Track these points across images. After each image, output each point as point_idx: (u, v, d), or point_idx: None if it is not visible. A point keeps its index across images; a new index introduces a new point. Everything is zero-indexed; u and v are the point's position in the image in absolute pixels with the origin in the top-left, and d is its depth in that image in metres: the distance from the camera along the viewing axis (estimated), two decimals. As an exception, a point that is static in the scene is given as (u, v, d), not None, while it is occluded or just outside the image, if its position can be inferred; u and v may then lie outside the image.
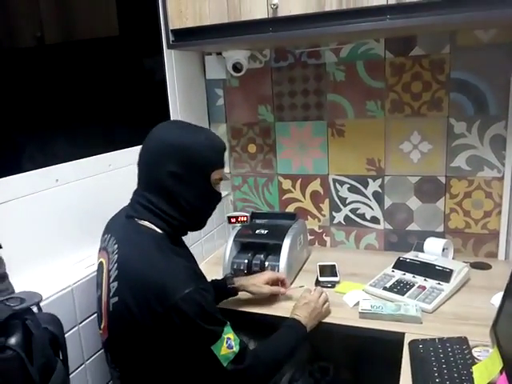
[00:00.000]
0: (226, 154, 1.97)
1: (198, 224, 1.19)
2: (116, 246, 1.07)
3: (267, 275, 1.44)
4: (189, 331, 0.97)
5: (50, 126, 1.26)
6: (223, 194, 1.95)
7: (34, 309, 0.65)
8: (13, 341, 0.54)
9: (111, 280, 1.03)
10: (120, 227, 1.12)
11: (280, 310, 1.40)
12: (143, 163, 1.11)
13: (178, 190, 1.07)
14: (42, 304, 0.70)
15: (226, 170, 2.01)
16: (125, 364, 1.07)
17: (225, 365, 1.00)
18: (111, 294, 1.03)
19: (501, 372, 0.88)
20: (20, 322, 0.57)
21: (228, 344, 1.00)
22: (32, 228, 1.13)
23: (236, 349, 1.01)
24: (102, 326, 1.09)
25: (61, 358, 0.65)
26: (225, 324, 1.02)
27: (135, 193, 1.14)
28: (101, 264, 1.12)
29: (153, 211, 1.08)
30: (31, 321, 0.58)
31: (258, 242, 1.66)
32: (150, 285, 0.96)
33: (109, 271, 1.05)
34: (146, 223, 1.08)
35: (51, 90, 1.26)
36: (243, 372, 1.03)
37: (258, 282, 1.41)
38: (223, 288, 1.41)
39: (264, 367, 1.12)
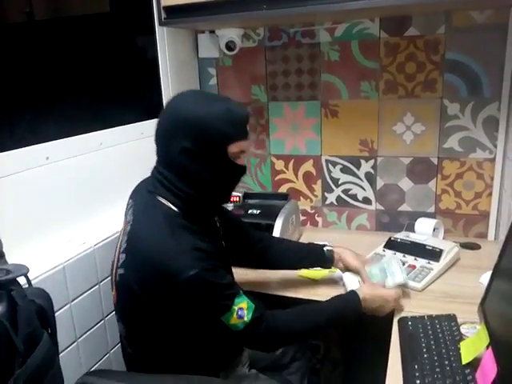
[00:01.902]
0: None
1: (220, 199, 1.16)
2: (132, 217, 1.08)
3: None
4: (195, 307, 0.99)
5: (40, 103, 1.24)
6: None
7: (25, 283, 0.65)
8: None
9: (121, 250, 1.05)
10: (141, 200, 1.11)
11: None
12: (158, 138, 1.08)
13: (193, 167, 1.03)
14: (33, 282, 0.70)
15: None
16: (133, 326, 1.10)
17: (235, 331, 1.02)
18: (119, 265, 1.05)
19: (487, 347, 0.90)
20: (5, 292, 0.57)
21: (238, 314, 1.00)
22: (22, 206, 1.12)
23: (247, 318, 1.01)
24: (112, 291, 1.13)
25: (49, 331, 0.65)
26: (236, 296, 1.02)
27: (154, 167, 1.12)
28: (122, 229, 1.14)
29: (168, 188, 1.06)
30: (17, 292, 0.59)
31: (250, 222, 1.66)
32: (156, 265, 0.96)
33: (121, 241, 1.08)
34: (163, 200, 1.06)
35: (41, 67, 1.24)
36: (256, 338, 1.06)
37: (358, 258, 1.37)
38: (320, 254, 1.38)
39: (283, 336, 1.12)
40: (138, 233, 1.04)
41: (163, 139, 1.06)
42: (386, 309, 1.22)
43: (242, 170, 1.11)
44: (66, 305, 1.14)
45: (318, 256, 1.39)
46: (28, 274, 0.65)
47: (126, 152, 1.48)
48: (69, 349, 1.15)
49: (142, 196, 1.12)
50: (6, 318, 0.55)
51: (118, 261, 1.07)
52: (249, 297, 1.05)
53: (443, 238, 1.68)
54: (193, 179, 1.05)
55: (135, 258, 1.02)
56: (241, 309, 1.01)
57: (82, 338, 1.20)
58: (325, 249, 1.39)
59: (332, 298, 1.22)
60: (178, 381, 0.94)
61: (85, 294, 1.20)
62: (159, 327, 1.06)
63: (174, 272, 0.95)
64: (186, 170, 1.04)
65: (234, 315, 1.00)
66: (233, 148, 1.04)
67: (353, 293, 1.22)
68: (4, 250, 0.74)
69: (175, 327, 1.06)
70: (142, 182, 1.20)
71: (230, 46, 1.78)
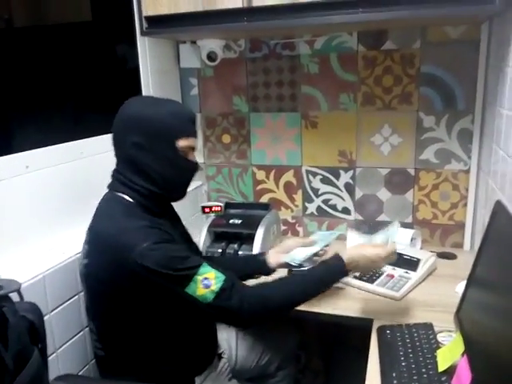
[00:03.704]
0: (200, 143, 1.98)
1: (174, 193, 1.18)
2: (94, 214, 1.13)
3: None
4: (157, 280, 1.00)
5: (20, 112, 1.23)
6: (197, 184, 1.97)
7: (16, 297, 0.64)
8: None
9: (84, 243, 1.12)
10: (102, 199, 1.16)
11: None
12: (113, 138, 1.14)
13: (143, 159, 1.09)
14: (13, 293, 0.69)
15: (200, 159, 2.01)
16: (104, 323, 1.12)
17: (205, 302, 1.01)
18: (83, 256, 1.11)
19: (462, 355, 0.92)
20: None
21: (204, 284, 1.01)
22: (1, 215, 1.11)
23: (216, 287, 1.01)
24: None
25: (39, 346, 0.64)
26: (199, 266, 1.02)
27: (114, 168, 1.18)
28: None
29: (124, 183, 1.12)
30: (8, 308, 0.57)
31: (232, 232, 1.67)
32: (112, 245, 1.02)
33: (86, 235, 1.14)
34: (120, 194, 1.12)
35: (20, 75, 1.23)
36: (231, 311, 1.04)
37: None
38: (254, 261, 1.37)
39: (261, 308, 1.08)
40: (98, 221, 1.10)
41: (117, 138, 1.13)
42: (376, 267, 1.23)
43: (193, 166, 1.17)
44: (45, 315, 1.11)
45: (254, 262, 1.37)
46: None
47: (107, 161, 1.47)
48: (48, 359, 1.12)
49: (103, 196, 1.17)
50: None
51: (82, 253, 1.12)
52: (219, 269, 1.05)
53: (420, 248, 1.71)
54: (145, 172, 1.10)
55: (96, 245, 1.08)
56: (206, 278, 1.01)
57: (61, 350, 1.18)
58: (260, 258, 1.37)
59: (317, 264, 1.20)
60: None
61: (64, 305, 1.19)
62: (130, 321, 1.08)
63: (127, 248, 0.99)
64: (137, 163, 1.10)
65: (199, 285, 1.01)
66: (181, 143, 1.11)
67: (337, 257, 1.16)
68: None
69: (147, 320, 1.07)
70: None
71: (211, 56, 1.79)
